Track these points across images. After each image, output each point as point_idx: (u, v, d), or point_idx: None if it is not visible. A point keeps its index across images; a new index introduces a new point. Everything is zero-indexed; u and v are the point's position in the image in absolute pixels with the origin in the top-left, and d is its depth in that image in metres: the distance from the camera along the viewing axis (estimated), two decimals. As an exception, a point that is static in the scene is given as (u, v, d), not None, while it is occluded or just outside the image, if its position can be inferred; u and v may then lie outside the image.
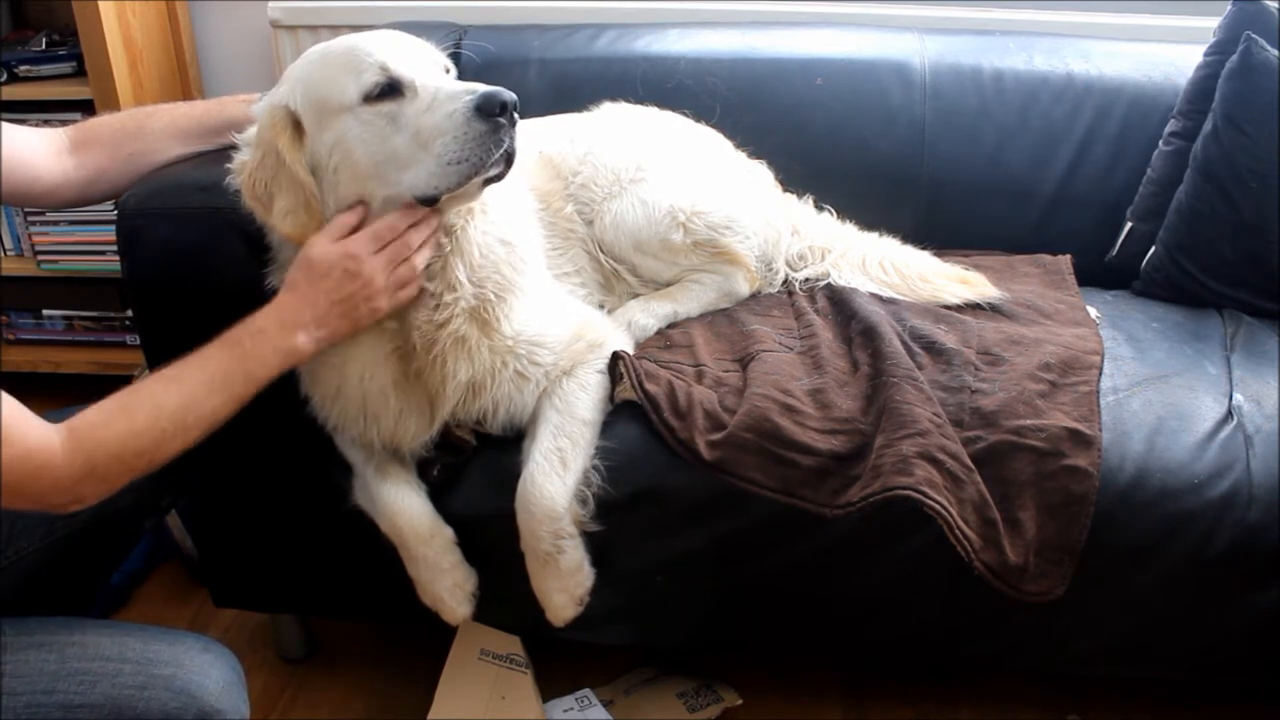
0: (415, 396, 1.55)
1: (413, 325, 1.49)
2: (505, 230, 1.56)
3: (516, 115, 1.36)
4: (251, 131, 1.47)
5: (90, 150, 1.57)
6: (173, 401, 1.31)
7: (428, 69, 1.42)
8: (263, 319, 1.39)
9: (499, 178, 1.40)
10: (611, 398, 1.62)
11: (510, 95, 1.34)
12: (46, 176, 1.53)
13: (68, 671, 1.26)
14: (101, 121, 1.62)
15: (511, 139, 1.36)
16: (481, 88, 1.35)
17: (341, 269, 1.39)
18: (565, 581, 1.56)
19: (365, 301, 1.41)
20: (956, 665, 1.90)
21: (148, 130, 1.59)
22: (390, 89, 1.38)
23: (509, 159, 1.38)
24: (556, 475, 1.52)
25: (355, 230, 1.41)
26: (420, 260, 1.44)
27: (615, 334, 1.69)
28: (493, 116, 1.33)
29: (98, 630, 1.32)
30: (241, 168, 1.44)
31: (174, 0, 2.60)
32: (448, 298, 1.48)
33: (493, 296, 1.53)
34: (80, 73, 2.46)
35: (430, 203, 1.41)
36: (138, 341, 2.21)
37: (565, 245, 1.79)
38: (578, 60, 2.19)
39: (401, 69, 1.39)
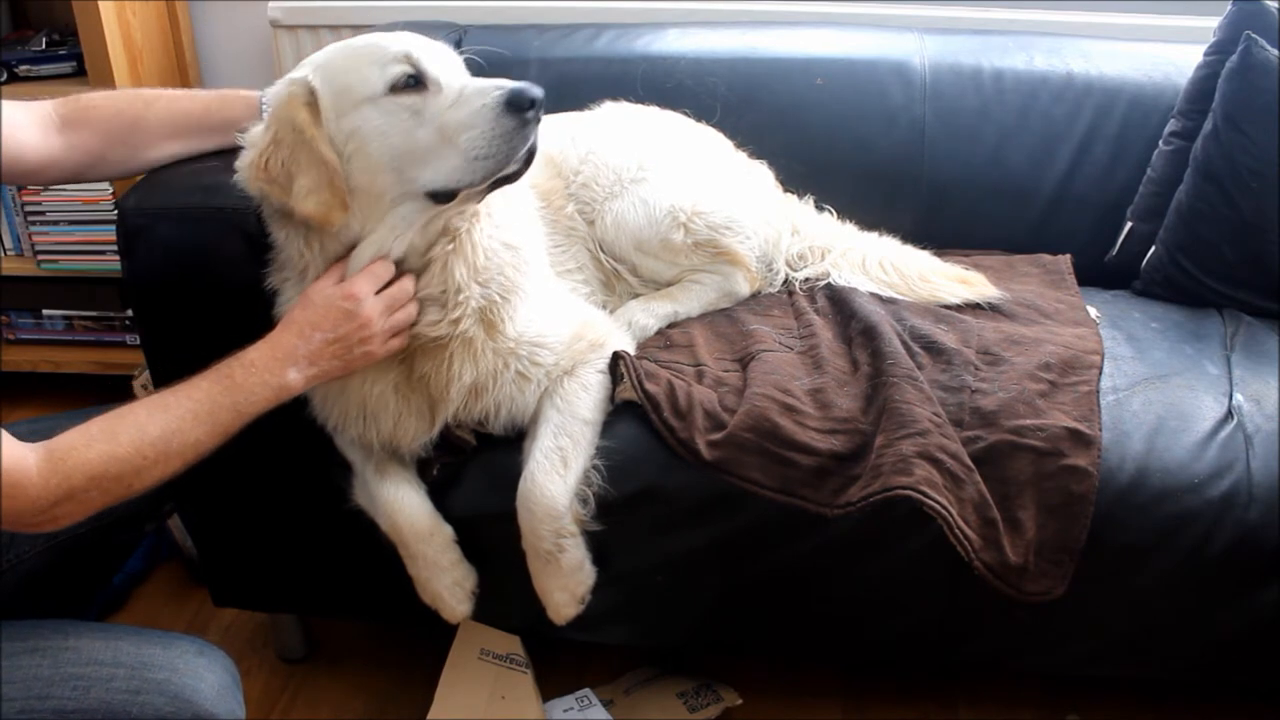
0: (415, 399, 1.54)
1: (423, 328, 1.48)
2: (508, 233, 1.56)
3: (541, 113, 1.36)
4: (256, 131, 1.46)
5: (81, 132, 1.52)
6: (157, 429, 1.30)
7: (450, 68, 1.42)
8: (255, 353, 1.38)
9: (514, 177, 1.40)
10: (612, 398, 1.62)
11: (538, 91, 1.34)
12: (32, 155, 1.48)
13: (61, 677, 1.25)
14: (96, 103, 1.55)
15: (535, 136, 1.36)
16: (509, 83, 1.35)
17: (340, 309, 1.39)
18: (566, 580, 1.57)
19: (360, 344, 1.41)
20: (956, 665, 1.90)
21: (145, 122, 1.56)
22: (414, 82, 1.38)
23: (529, 157, 1.38)
24: (557, 474, 1.52)
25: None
26: (414, 309, 1.45)
27: (616, 334, 1.69)
28: (521, 112, 1.33)
29: (91, 634, 1.31)
30: (251, 150, 1.42)
31: (174, 0, 2.60)
32: (459, 298, 1.48)
33: (498, 298, 1.53)
34: (80, 73, 2.46)
35: (446, 198, 1.40)
36: (138, 341, 2.22)
37: (567, 243, 1.79)
38: (577, 60, 2.19)
39: (426, 64, 1.39)
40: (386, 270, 1.41)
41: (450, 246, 1.46)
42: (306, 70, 1.42)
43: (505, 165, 1.36)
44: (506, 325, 1.54)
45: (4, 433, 1.21)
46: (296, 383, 1.39)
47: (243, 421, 1.37)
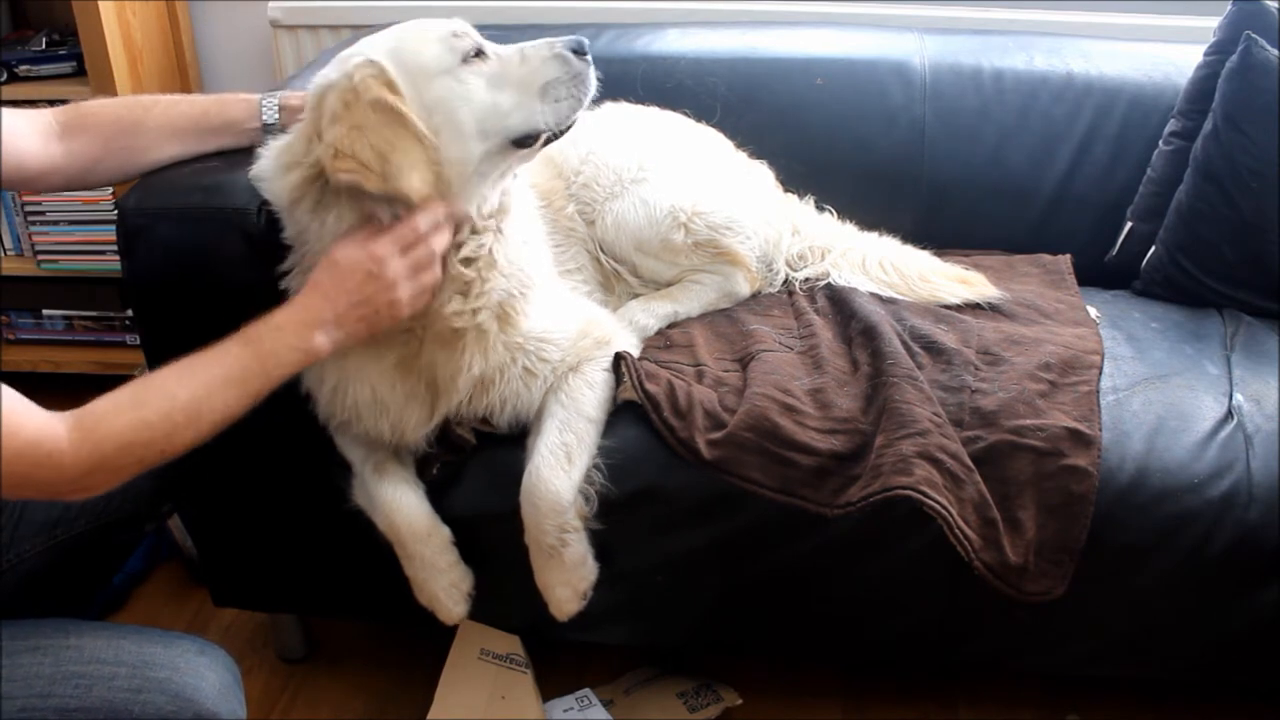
0: (414, 383, 1.54)
1: (442, 314, 1.48)
2: (524, 230, 1.58)
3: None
4: (285, 140, 1.45)
5: (80, 138, 1.53)
6: (186, 394, 1.29)
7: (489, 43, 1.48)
8: (282, 316, 1.37)
9: (570, 128, 1.49)
10: (614, 397, 1.62)
11: (585, 39, 1.48)
12: (32, 162, 1.49)
13: (63, 675, 1.25)
14: (94, 110, 1.56)
15: (594, 80, 1.48)
16: (560, 38, 1.47)
17: (365, 271, 1.38)
18: (569, 575, 1.57)
19: (386, 306, 1.40)
20: (956, 665, 1.90)
21: (144, 126, 1.56)
22: (479, 53, 1.44)
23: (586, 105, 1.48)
24: (562, 470, 1.52)
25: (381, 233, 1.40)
26: (439, 269, 1.44)
27: (622, 332, 1.70)
28: (583, 56, 1.46)
29: (93, 633, 1.31)
30: (313, 148, 1.39)
31: (174, 0, 2.60)
32: (485, 287, 1.49)
33: (516, 293, 1.54)
34: (80, 73, 2.46)
35: (528, 143, 1.46)
36: (138, 341, 2.22)
37: (567, 244, 1.79)
38: (578, 60, 2.19)
39: (477, 37, 1.46)
40: (414, 234, 1.40)
41: (502, 223, 1.50)
42: (367, 55, 1.40)
43: (579, 108, 1.46)
44: (520, 320, 1.55)
45: (31, 404, 1.21)
46: (324, 346, 1.39)
47: (272, 385, 1.36)
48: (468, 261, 1.47)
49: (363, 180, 1.36)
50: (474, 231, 1.47)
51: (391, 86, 1.38)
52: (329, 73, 1.43)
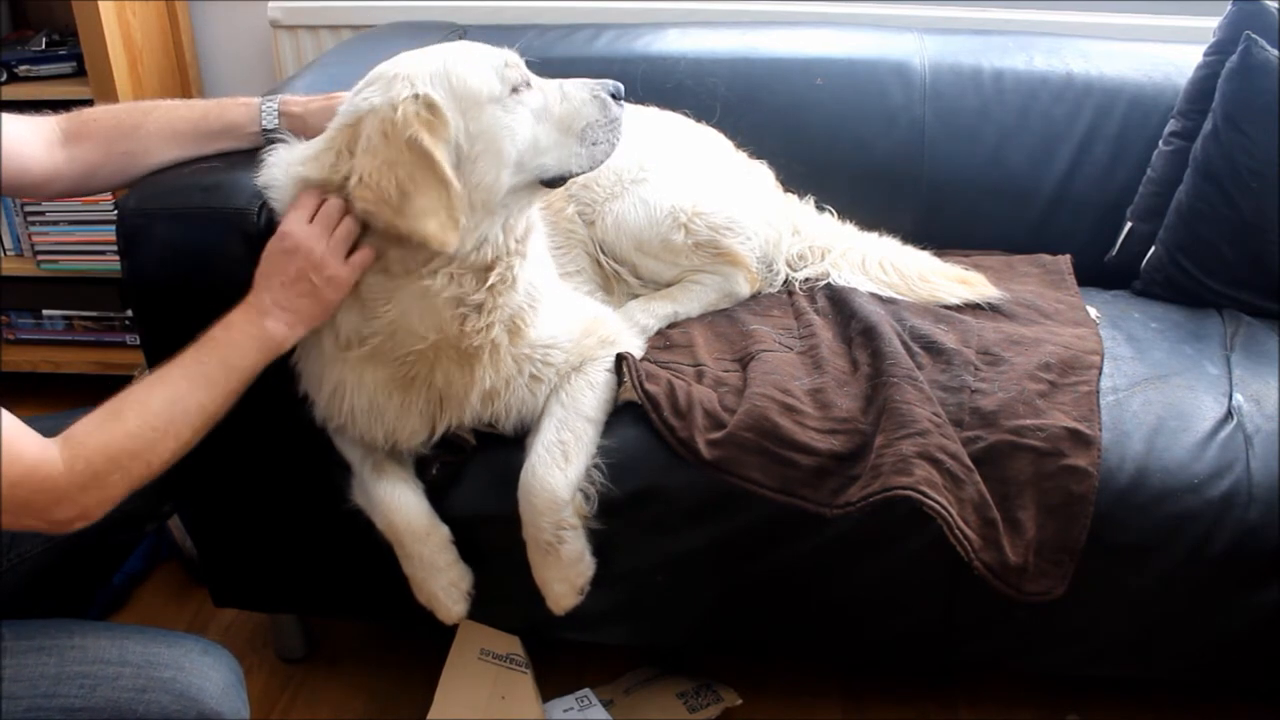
0: (416, 398, 1.54)
1: (464, 333, 1.49)
2: (537, 239, 1.59)
3: None
4: (305, 147, 1.46)
5: (83, 145, 1.54)
6: (158, 401, 1.31)
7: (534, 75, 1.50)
8: (233, 313, 1.40)
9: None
10: (615, 397, 1.62)
11: (622, 85, 1.52)
12: (36, 169, 1.49)
13: (68, 675, 1.26)
14: (96, 116, 1.57)
15: (625, 126, 1.52)
16: (599, 80, 1.50)
17: (278, 250, 1.40)
18: (566, 571, 1.57)
19: (316, 272, 1.39)
20: (956, 665, 1.90)
21: (144, 130, 1.57)
22: (526, 83, 1.45)
23: None
24: (558, 468, 1.52)
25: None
26: (354, 224, 1.40)
27: (626, 331, 1.70)
28: (619, 102, 1.50)
29: (97, 633, 1.32)
30: (341, 162, 1.39)
31: (174, 0, 2.60)
32: (500, 300, 1.49)
33: (527, 305, 1.55)
34: (80, 73, 2.46)
35: (558, 183, 1.50)
36: (138, 341, 2.22)
37: (567, 245, 1.79)
38: (578, 60, 2.19)
39: (525, 70, 1.47)
40: (311, 199, 1.40)
41: (526, 245, 1.51)
42: (415, 86, 1.37)
43: (611, 153, 1.51)
44: (528, 330, 1.56)
45: (27, 429, 1.22)
46: (278, 330, 1.40)
47: (240, 379, 1.37)
48: (493, 288, 1.48)
49: (376, 212, 1.36)
50: (508, 253, 1.48)
51: (431, 127, 1.36)
52: (371, 96, 1.40)
